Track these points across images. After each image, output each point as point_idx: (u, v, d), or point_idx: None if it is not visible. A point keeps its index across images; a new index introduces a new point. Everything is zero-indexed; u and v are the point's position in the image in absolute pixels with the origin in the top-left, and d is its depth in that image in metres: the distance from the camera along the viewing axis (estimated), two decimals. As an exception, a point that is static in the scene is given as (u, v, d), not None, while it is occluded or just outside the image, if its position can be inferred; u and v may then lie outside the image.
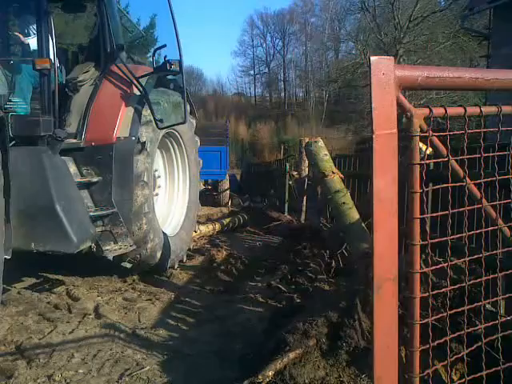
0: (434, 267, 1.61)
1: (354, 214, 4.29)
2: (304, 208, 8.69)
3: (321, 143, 4.72)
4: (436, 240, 1.53)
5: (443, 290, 1.72)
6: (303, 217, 8.67)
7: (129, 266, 5.13)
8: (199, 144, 6.48)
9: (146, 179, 4.94)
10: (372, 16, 32.39)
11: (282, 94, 55.46)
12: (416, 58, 31.76)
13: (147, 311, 4.51)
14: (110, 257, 4.72)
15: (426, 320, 1.51)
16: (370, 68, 1.27)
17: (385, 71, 1.29)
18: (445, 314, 1.62)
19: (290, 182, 10.50)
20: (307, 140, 8.72)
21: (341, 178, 4.53)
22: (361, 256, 3.30)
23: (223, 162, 14.66)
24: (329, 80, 39.48)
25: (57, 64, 4.37)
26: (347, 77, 35.69)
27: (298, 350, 2.89)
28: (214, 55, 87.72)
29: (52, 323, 4.16)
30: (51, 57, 4.32)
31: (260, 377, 2.70)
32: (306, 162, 8.65)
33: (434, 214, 1.53)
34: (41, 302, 4.64)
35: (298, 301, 4.48)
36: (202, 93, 49.29)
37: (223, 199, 14.17)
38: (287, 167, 11.09)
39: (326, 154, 4.62)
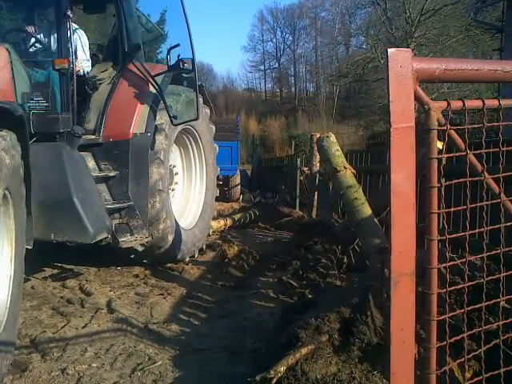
0: (451, 263, 1.59)
1: (367, 210, 4.27)
2: (315, 203, 8.67)
3: (332, 138, 4.70)
4: (454, 235, 1.51)
5: (460, 286, 1.69)
6: (314, 212, 8.65)
7: (140, 248, 5.18)
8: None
9: (162, 158, 5.08)
10: (383, 10, 32.09)
11: (293, 89, 55.35)
12: (427, 52, 31.42)
13: (159, 306, 4.53)
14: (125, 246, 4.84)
15: (443, 317, 1.49)
16: (387, 60, 1.25)
17: (402, 64, 1.27)
18: (461, 311, 1.60)
19: (301, 178, 10.47)
20: (318, 135, 8.73)
21: (353, 173, 4.50)
22: (376, 251, 3.27)
23: (234, 157, 14.67)
24: (339, 75, 39.24)
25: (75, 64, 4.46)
26: (358, 71, 35.46)
27: (310, 346, 2.87)
28: (224, 50, 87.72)
29: (65, 318, 4.20)
30: (70, 57, 4.41)
31: (272, 372, 2.69)
32: (317, 157, 8.62)
33: (453, 209, 1.51)
34: (54, 297, 4.69)
35: (310, 296, 4.47)
36: (212, 88, 49.25)
37: (234, 194, 14.18)
38: (298, 163, 11.05)
39: (337, 150, 4.60)
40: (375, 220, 4.46)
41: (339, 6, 46.66)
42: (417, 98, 1.32)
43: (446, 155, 1.36)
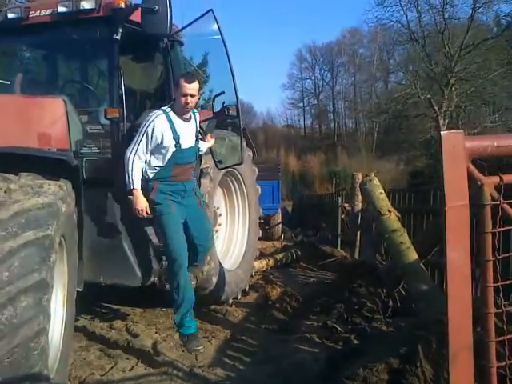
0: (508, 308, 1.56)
1: (412, 254, 4.22)
2: (358, 243, 8.59)
3: (376, 181, 4.70)
4: (508, 282, 1.49)
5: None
6: (357, 252, 8.57)
7: None
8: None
9: (207, 201, 5.14)
10: (421, 46, 32.06)
11: (332, 125, 55.57)
12: (468, 87, 31.15)
13: (204, 349, 4.53)
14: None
15: (503, 363, 1.46)
16: (440, 142, 1.28)
17: (455, 144, 1.30)
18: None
19: (343, 216, 10.42)
20: (360, 175, 8.75)
21: (397, 216, 4.47)
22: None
23: (275, 196, 14.73)
24: (379, 111, 39.18)
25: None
26: (397, 107, 35.33)
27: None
28: (264, 89, 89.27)
29: (112, 359, 4.26)
30: (121, 106, 4.59)
31: (320, 424, 2.66)
32: (359, 196, 8.60)
33: (508, 282, 1.50)
34: (102, 338, 4.78)
35: (355, 342, 4.39)
36: (252, 125, 49.97)
37: (276, 233, 14.17)
38: (339, 201, 11.02)
39: (381, 193, 4.59)
40: (421, 264, 4.40)
41: (377, 43, 47.01)
42: (469, 175, 1.34)
43: (500, 229, 1.37)
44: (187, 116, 4.18)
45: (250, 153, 6.39)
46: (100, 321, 5.26)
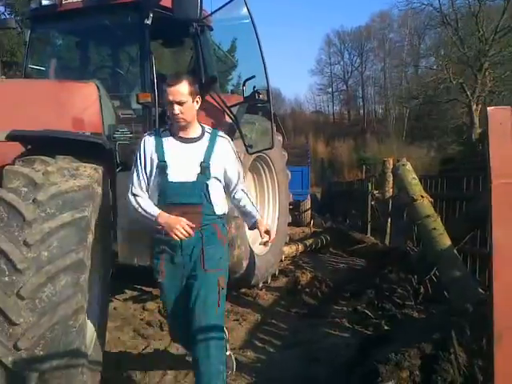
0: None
1: (446, 240, 4.16)
2: (388, 230, 8.51)
3: (408, 166, 4.64)
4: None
5: None
6: (387, 239, 8.49)
7: None
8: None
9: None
10: (454, 29, 31.26)
11: (361, 111, 54.92)
12: (503, 71, 30.30)
13: (235, 331, 4.60)
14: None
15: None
16: (487, 118, 1.25)
17: (502, 121, 1.27)
18: None
19: (373, 203, 10.33)
20: (391, 161, 8.63)
21: (430, 202, 4.41)
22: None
23: (305, 181, 14.69)
24: (409, 96, 38.48)
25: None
26: (428, 93, 34.64)
27: (390, 382, 2.83)
28: (292, 74, 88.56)
29: (146, 340, 4.36)
30: (152, 91, 4.61)
31: (352, 406, 2.67)
32: (390, 182, 8.51)
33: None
34: (135, 319, 4.89)
35: (386, 328, 4.38)
36: (280, 112, 49.74)
37: (305, 219, 14.15)
38: (369, 187, 10.91)
39: (414, 178, 4.53)
40: (454, 251, 4.33)
41: (408, 27, 46.06)
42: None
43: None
44: (187, 134, 2.96)
45: (280, 138, 6.37)
46: (133, 302, 5.36)
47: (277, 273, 6.54)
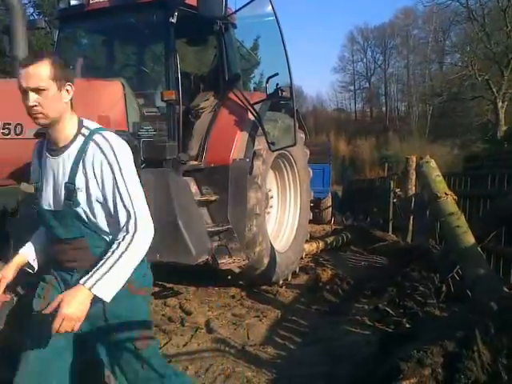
0: None
1: (469, 238, 4.10)
2: (410, 228, 8.44)
3: (432, 163, 4.58)
4: None
5: None
6: (409, 237, 8.42)
7: (237, 270, 5.34)
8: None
9: (259, 183, 5.24)
10: (480, 25, 30.75)
11: (383, 109, 54.48)
12: (531, 67, 29.71)
13: (255, 328, 4.63)
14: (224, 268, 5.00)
15: None
16: None
17: None
18: None
19: (395, 201, 10.25)
20: (414, 158, 8.55)
21: (454, 199, 4.36)
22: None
23: (326, 179, 14.67)
24: (433, 94, 37.97)
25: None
26: (453, 90, 34.15)
27: (412, 379, 2.81)
28: (314, 72, 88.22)
29: (167, 335, 4.40)
30: (176, 89, 4.69)
31: (373, 403, 2.67)
32: (413, 180, 8.44)
33: None
34: (156, 314, 4.94)
35: (408, 326, 4.35)
36: (302, 109, 49.60)
37: (326, 217, 14.12)
38: (391, 185, 10.83)
39: (438, 175, 4.47)
40: (478, 249, 4.28)
41: (432, 24, 45.44)
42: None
43: None
44: (56, 139, 2.11)
45: (302, 135, 6.38)
46: (155, 298, 5.42)
47: (297, 270, 6.56)
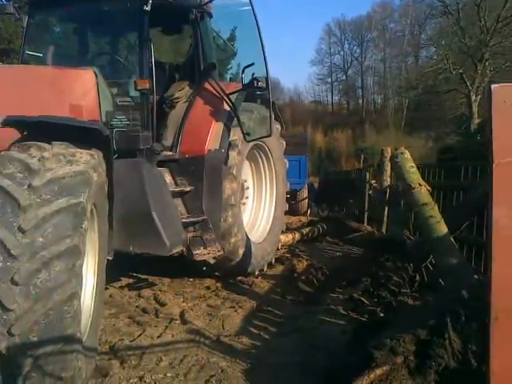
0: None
1: (442, 228, 4.17)
2: (385, 219, 8.52)
3: (407, 155, 4.64)
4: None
5: None
6: (384, 228, 8.50)
7: (212, 261, 5.32)
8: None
9: (234, 173, 5.23)
10: (455, 19, 31.12)
11: (360, 101, 54.79)
12: (503, 61, 30.19)
13: (230, 318, 4.61)
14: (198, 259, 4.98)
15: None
16: (490, 95, 1.24)
17: (506, 98, 1.25)
18: None
19: (370, 192, 10.33)
20: (389, 150, 8.62)
21: (428, 190, 4.41)
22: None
23: (302, 171, 14.72)
24: (409, 86, 38.35)
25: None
26: (428, 83, 34.53)
27: (385, 367, 2.84)
28: (291, 65, 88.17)
29: (141, 327, 4.36)
30: (150, 78, 4.63)
31: (347, 392, 2.69)
32: (388, 172, 8.51)
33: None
34: (130, 306, 4.90)
35: (382, 315, 4.40)
36: (279, 102, 49.57)
37: (302, 208, 14.18)
38: (367, 176, 10.91)
39: (412, 166, 4.53)
40: (451, 238, 4.34)
41: (409, 17, 45.81)
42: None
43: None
44: None
45: (278, 126, 6.36)
46: (129, 289, 5.38)
47: (273, 261, 6.57)
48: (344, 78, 56.55)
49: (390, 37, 51.17)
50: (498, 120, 1.24)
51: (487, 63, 30.25)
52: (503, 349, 1.30)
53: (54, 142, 3.20)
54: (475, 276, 4.14)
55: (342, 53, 56.34)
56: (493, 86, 1.24)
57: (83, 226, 2.89)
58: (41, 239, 2.67)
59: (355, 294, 5.03)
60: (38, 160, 2.97)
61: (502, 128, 1.24)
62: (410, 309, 4.28)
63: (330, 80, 57.26)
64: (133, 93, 4.85)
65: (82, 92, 4.40)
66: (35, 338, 2.58)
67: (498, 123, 1.24)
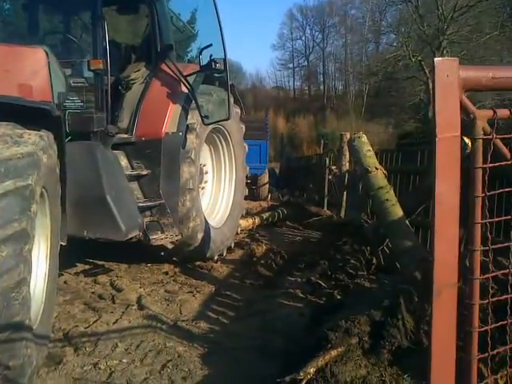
0: (494, 273, 1.56)
1: (398, 211, 4.23)
2: (344, 203, 8.62)
3: (364, 139, 4.68)
4: (498, 246, 1.48)
5: (503, 297, 1.64)
6: (343, 212, 8.61)
7: (170, 246, 5.26)
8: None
9: (193, 157, 5.15)
10: (415, 7, 31.56)
11: (321, 87, 55.08)
12: (460, 50, 30.85)
13: (188, 303, 4.58)
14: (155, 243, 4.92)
15: (485, 328, 1.46)
16: (433, 69, 1.23)
17: (449, 73, 1.25)
18: (505, 322, 1.57)
19: (330, 177, 10.43)
20: (348, 135, 8.71)
21: (384, 174, 4.47)
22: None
23: (263, 156, 14.73)
24: (369, 73, 38.82)
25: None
26: (388, 70, 35.02)
27: (340, 348, 2.87)
28: (253, 49, 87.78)
29: (97, 313, 4.28)
30: (104, 58, 4.50)
31: (301, 374, 2.70)
32: (347, 156, 8.60)
33: (497, 219, 1.48)
34: (86, 292, 4.79)
35: (339, 297, 4.45)
36: (240, 86, 49.31)
37: (262, 193, 14.21)
38: (327, 161, 11.01)
39: (369, 150, 4.57)
40: (406, 221, 4.42)
41: (369, 4, 46.11)
42: (462, 107, 1.30)
43: (491, 165, 1.34)
44: None
45: (238, 110, 6.31)
46: (84, 275, 5.27)
47: (232, 245, 6.56)
48: (306, 63, 56.72)
49: (352, 23, 51.52)
50: (440, 94, 1.24)
51: (445, 51, 30.83)
52: (444, 325, 1.31)
53: (0, 123, 3.07)
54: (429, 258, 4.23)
55: (303, 38, 56.41)
56: (436, 60, 1.24)
57: (32, 209, 2.78)
58: (-14, 223, 2.56)
59: (313, 278, 5.09)
60: (-17, 141, 2.83)
61: (444, 102, 1.24)
62: (366, 291, 4.34)
63: (291, 65, 57.35)
64: (86, 73, 4.70)
65: (31, 71, 4.22)
66: (-19, 326, 2.48)
67: (440, 97, 1.24)
